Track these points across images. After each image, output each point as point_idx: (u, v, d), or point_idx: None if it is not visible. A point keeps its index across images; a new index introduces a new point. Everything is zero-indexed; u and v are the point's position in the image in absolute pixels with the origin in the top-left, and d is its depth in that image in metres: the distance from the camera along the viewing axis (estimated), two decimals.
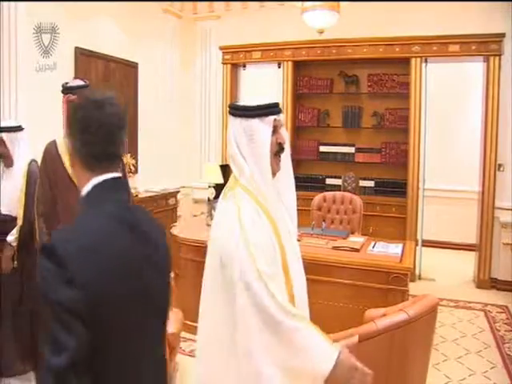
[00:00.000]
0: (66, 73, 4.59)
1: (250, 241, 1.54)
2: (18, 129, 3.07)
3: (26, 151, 3.09)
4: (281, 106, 1.75)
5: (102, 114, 1.18)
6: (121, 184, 1.26)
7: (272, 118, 1.68)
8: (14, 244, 2.94)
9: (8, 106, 4.05)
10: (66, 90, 2.64)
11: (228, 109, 1.76)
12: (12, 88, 4.10)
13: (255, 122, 1.67)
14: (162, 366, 1.35)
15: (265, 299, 1.49)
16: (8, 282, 2.96)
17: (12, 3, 4.07)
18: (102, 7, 5.20)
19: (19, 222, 2.96)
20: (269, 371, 1.48)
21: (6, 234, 2.97)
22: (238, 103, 1.75)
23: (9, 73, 4.08)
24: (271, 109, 1.70)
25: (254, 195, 1.67)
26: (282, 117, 1.74)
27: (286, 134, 1.77)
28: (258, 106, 1.68)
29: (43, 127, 4.11)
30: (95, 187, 1.20)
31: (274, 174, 1.72)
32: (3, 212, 3.00)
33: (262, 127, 1.67)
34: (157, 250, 1.27)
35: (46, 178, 2.70)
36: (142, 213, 1.33)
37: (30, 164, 3.07)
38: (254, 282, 1.50)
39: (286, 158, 1.78)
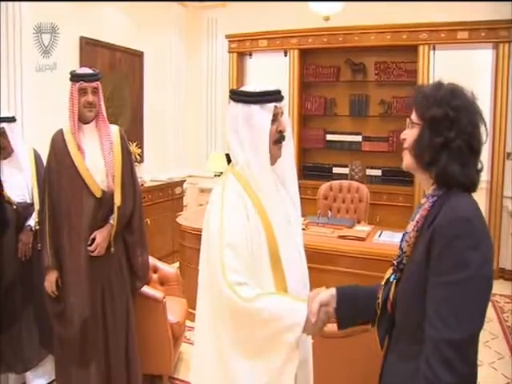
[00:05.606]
0: (70, 68, 4.55)
1: (224, 240, 1.56)
2: (13, 119, 3.08)
3: (20, 139, 3.14)
4: (284, 93, 1.72)
5: None
6: None
7: (272, 105, 1.65)
8: (37, 227, 2.86)
9: (7, 105, 4.03)
10: (77, 77, 2.60)
11: (229, 93, 1.73)
12: (11, 88, 4.11)
13: (255, 109, 1.64)
14: None
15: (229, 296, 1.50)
16: (27, 267, 2.97)
17: (10, 3, 4.05)
18: None
19: (36, 206, 2.92)
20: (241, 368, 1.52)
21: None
22: (239, 89, 1.73)
23: (7, 73, 4.08)
24: (272, 96, 1.67)
25: (247, 183, 1.65)
26: (283, 104, 1.71)
27: (287, 121, 1.74)
28: (259, 93, 1.65)
29: (43, 127, 4.12)
30: None
31: (274, 160, 1.70)
32: (17, 200, 2.97)
33: (261, 114, 1.63)
34: None
35: (55, 172, 2.66)
36: None
37: (33, 149, 3.14)
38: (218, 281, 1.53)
39: (289, 146, 1.75)
